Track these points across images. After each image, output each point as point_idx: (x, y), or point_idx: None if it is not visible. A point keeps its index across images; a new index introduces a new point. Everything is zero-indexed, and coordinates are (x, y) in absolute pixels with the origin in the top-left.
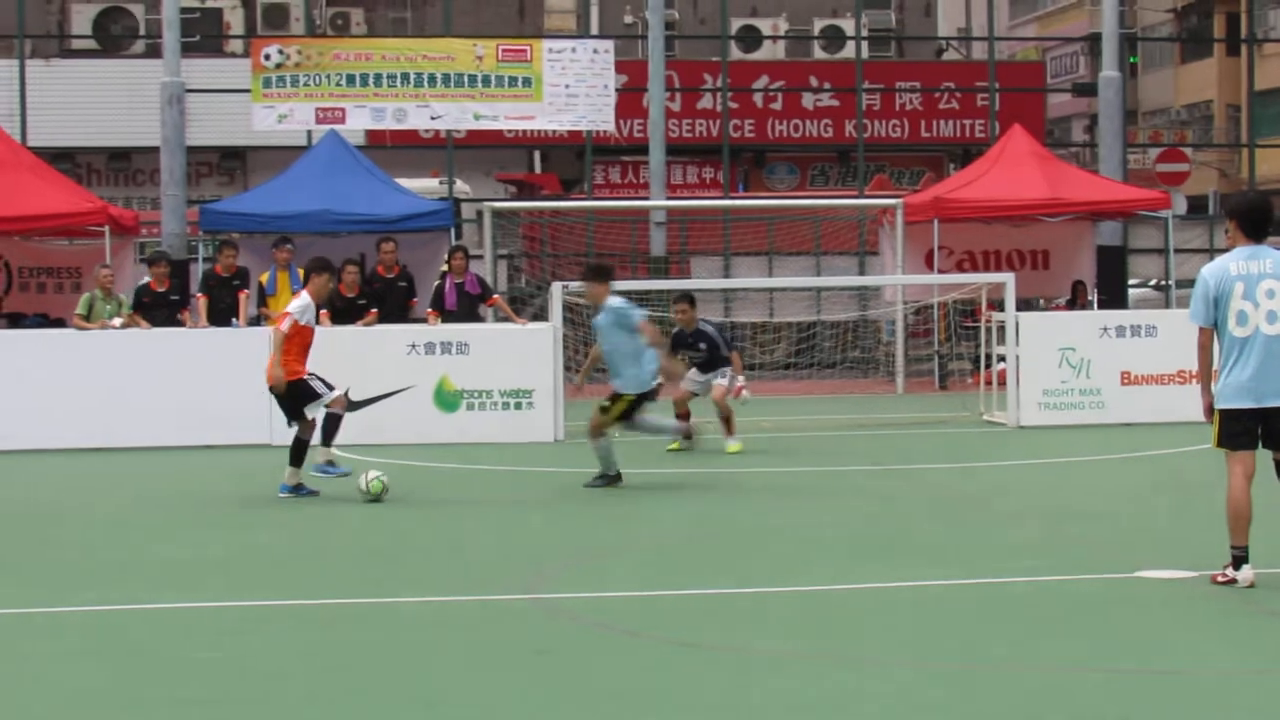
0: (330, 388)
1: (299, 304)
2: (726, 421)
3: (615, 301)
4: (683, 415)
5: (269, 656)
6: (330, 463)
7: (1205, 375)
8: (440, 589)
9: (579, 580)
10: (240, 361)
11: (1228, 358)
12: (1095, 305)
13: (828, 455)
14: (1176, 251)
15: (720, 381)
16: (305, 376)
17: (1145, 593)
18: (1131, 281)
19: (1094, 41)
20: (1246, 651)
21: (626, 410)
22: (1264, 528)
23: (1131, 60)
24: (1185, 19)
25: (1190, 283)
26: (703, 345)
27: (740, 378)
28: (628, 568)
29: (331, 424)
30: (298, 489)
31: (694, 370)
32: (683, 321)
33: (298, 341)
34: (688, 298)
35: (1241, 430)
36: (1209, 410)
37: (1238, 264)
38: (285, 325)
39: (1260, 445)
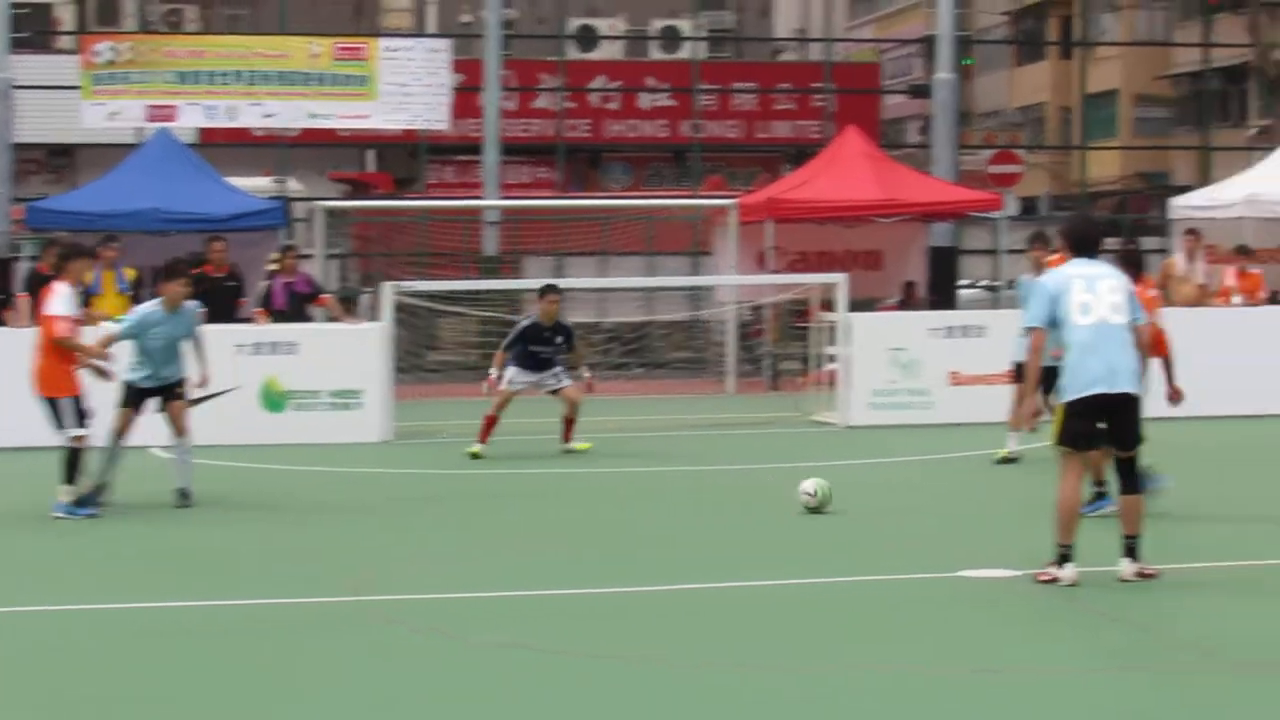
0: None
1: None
2: (570, 424)
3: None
4: (491, 421)
5: (85, 663)
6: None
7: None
8: (263, 592)
9: (398, 582)
10: None
11: (1073, 350)
12: (926, 305)
13: (658, 456)
14: (1007, 253)
15: (573, 381)
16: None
17: (968, 592)
18: (962, 282)
19: (929, 44)
20: (1072, 650)
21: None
22: (1088, 527)
23: (966, 62)
24: (1020, 22)
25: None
26: (560, 339)
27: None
28: (452, 569)
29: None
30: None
31: (519, 369)
32: (548, 315)
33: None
34: (554, 288)
35: (1083, 431)
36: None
37: (1074, 268)
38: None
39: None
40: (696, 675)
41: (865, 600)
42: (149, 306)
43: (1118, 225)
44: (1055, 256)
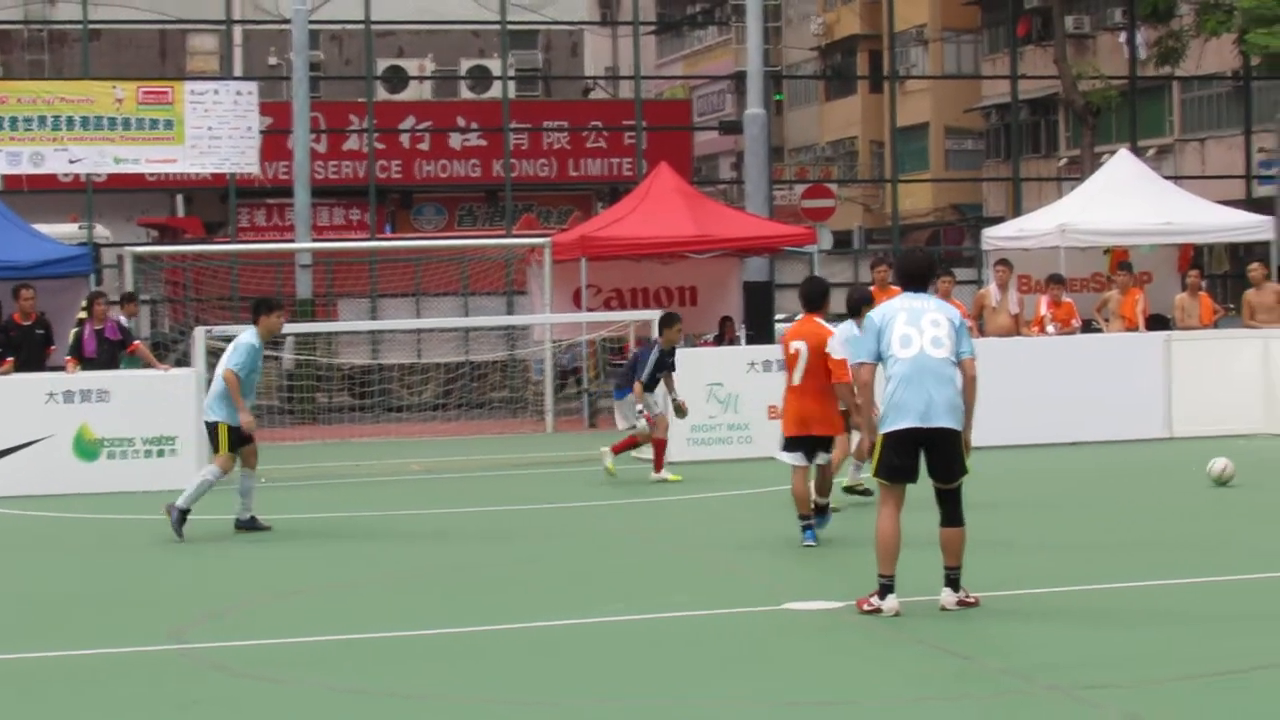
0: None
1: None
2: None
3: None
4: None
5: None
6: None
7: (866, 413)
8: (79, 642)
9: (227, 629)
10: None
11: (891, 382)
12: (743, 340)
13: (477, 496)
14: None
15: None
16: None
17: (794, 624)
18: (779, 316)
19: (739, 80)
20: (896, 679)
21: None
22: (909, 557)
23: (777, 98)
24: (829, 57)
25: (839, 317)
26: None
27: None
28: (274, 615)
29: None
30: None
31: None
32: (671, 341)
33: None
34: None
35: (901, 465)
36: (872, 448)
37: (901, 301)
38: None
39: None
40: (523, 714)
41: (691, 635)
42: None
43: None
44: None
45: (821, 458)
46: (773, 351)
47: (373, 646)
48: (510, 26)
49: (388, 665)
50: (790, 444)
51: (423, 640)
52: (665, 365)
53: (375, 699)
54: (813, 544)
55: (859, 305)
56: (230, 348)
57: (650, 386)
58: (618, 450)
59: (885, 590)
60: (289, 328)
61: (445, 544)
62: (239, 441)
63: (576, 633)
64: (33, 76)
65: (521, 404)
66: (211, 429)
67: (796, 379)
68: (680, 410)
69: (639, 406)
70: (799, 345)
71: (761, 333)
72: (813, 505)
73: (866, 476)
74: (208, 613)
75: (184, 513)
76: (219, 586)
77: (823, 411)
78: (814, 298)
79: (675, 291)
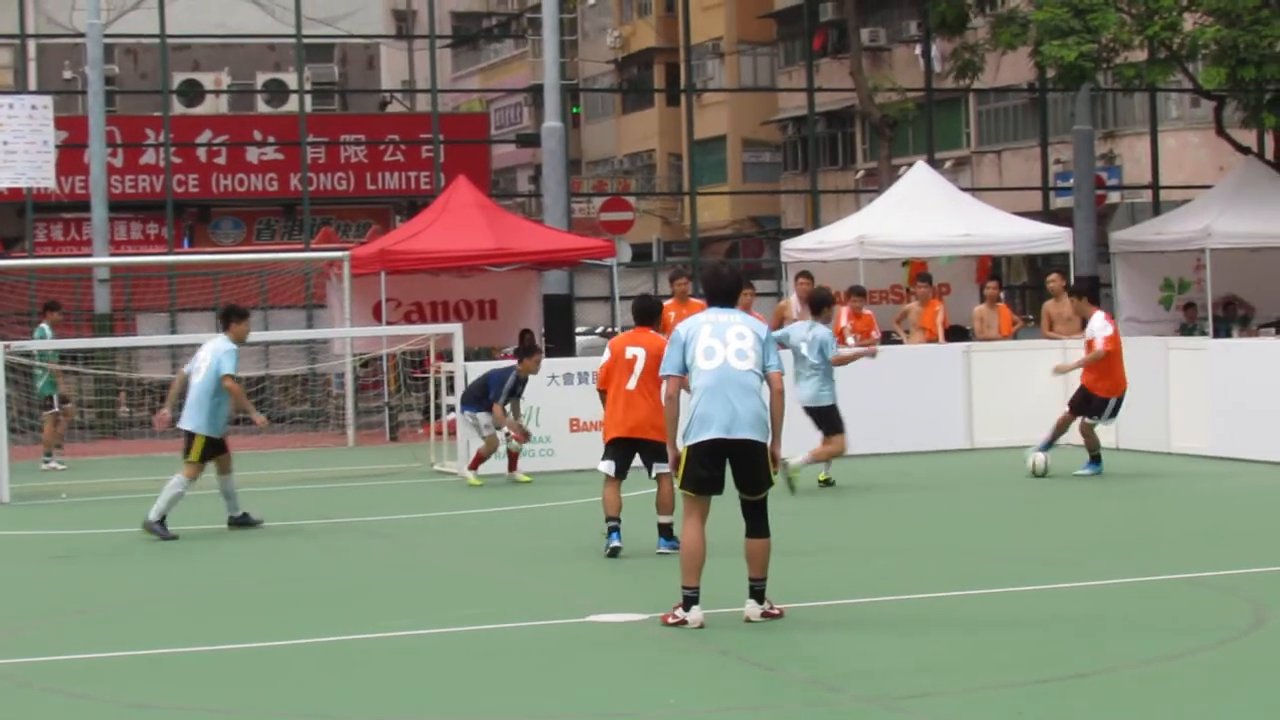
0: None
1: None
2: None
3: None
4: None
5: None
6: None
7: (673, 426)
8: None
9: (28, 644)
10: None
11: (696, 395)
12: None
13: (277, 510)
14: (622, 299)
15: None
16: None
17: (598, 637)
18: (579, 329)
19: (536, 93)
20: (700, 691)
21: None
22: (713, 568)
23: (574, 111)
24: (625, 70)
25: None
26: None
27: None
28: (79, 629)
29: None
30: None
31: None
32: (530, 370)
33: None
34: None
35: (706, 476)
36: (678, 460)
37: (707, 315)
38: None
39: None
40: None
41: (496, 648)
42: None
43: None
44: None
45: (660, 467)
46: (575, 364)
47: (169, 662)
48: (306, 40)
49: (184, 681)
50: (610, 448)
51: (214, 655)
52: (517, 392)
53: (167, 713)
54: (619, 545)
55: (655, 312)
56: (211, 357)
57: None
58: (474, 466)
59: (690, 602)
60: (87, 343)
61: (243, 559)
62: (214, 451)
63: (366, 647)
64: None
65: (323, 418)
66: (188, 438)
67: (631, 383)
68: (526, 436)
69: (485, 423)
70: (636, 351)
71: (562, 345)
72: (658, 523)
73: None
74: (9, 628)
75: (160, 521)
76: (21, 602)
77: (655, 418)
78: (648, 312)
79: (475, 305)
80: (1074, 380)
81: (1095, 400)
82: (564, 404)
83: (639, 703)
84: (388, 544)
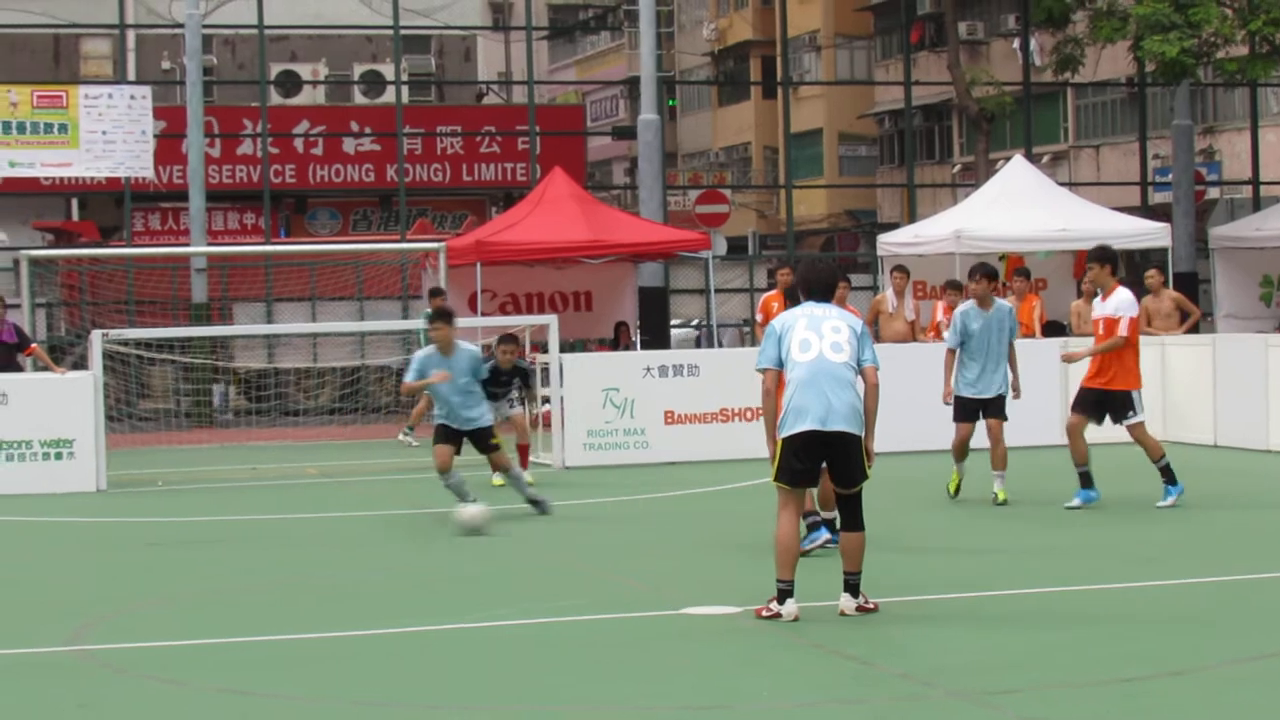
0: None
1: None
2: (523, 449)
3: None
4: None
5: None
6: None
7: (770, 420)
8: None
9: (123, 631)
10: None
11: (791, 387)
12: (638, 345)
13: (375, 500)
14: (717, 291)
15: (516, 410)
16: None
17: (693, 629)
18: (674, 322)
19: (633, 85)
20: (794, 684)
21: None
22: (809, 562)
23: (670, 103)
24: (721, 63)
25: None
26: (516, 380)
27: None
28: (173, 617)
29: None
30: None
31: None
32: (507, 361)
33: None
34: (513, 337)
35: (801, 469)
36: (775, 454)
37: (803, 309)
38: None
39: (814, 482)
40: (432, 716)
41: (590, 639)
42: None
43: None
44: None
45: None
46: (670, 356)
47: (266, 649)
48: (403, 31)
49: (280, 668)
50: None
51: (312, 644)
52: (495, 382)
53: (261, 700)
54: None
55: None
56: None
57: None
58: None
59: (784, 595)
60: (185, 332)
61: (330, 547)
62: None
63: (464, 636)
64: None
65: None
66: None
67: None
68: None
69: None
70: None
71: (657, 338)
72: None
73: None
74: (105, 615)
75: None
76: (117, 589)
77: None
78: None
79: (570, 296)
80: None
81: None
82: (659, 396)
83: (732, 695)
84: (481, 535)
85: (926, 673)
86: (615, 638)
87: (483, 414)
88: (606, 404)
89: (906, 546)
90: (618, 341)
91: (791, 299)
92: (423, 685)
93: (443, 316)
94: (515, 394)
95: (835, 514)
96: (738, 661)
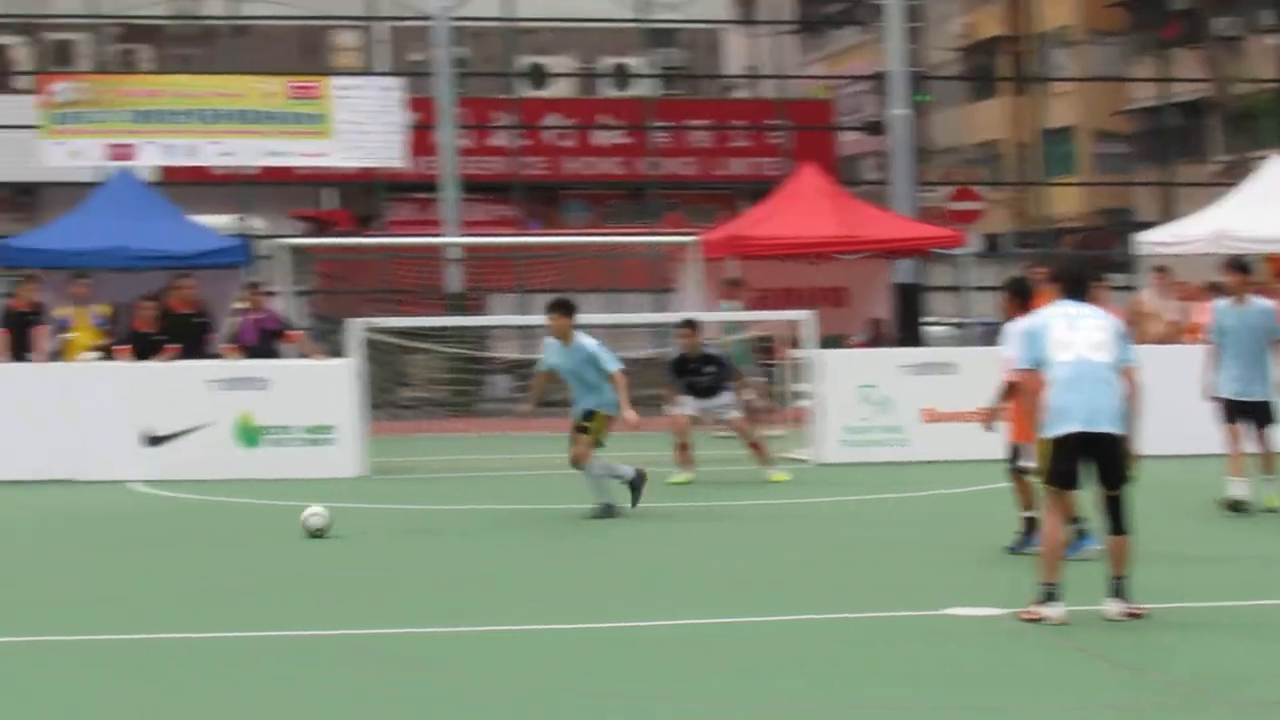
0: None
1: None
2: (756, 448)
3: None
4: (683, 446)
5: (45, 694)
6: None
7: (1033, 420)
8: (242, 625)
9: (388, 617)
10: (38, 396)
11: (1053, 387)
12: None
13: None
14: (971, 289)
15: (734, 414)
16: None
17: (955, 630)
18: (928, 319)
19: (881, 80)
20: (1060, 690)
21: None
22: (1075, 565)
23: (923, 99)
24: (971, 58)
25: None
26: (710, 369)
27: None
28: (433, 603)
29: None
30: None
31: (691, 398)
32: (687, 346)
33: None
34: (690, 323)
35: (1068, 470)
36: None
37: (1059, 308)
38: None
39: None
40: (697, 712)
41: (851, 637)
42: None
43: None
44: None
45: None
46: (925, 354)
47: (526, 639)
48: (651, 25)
49: (546, 659)
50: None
51: (570, 633)
52: (684, 370)
53: (529, 690)
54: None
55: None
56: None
57: (687, 391)
58: (763, 461)
59: (1049, 598)
60: (439, 321)
61: (597, 538)
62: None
63: (729, 632)
64: (184, 71)
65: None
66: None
67: None
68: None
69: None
70: None
71: (912, 334)
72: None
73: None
74: (366, 600)
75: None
76: (375, 574)
77: None
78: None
79: (824, 292)
80: None
81: None
82: (915, 394)
83: (994, 697)
84: (737, 529)
85: (1199, 681)
86: (873, 636)
87: (597, 402)
88: (863, 401)
89: (1167, 552)
90: (876, 338)
91: (1018, 294)
92: (695, 680)
93: (559, 307)
94: (727, 396)
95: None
96: (1000, 664)
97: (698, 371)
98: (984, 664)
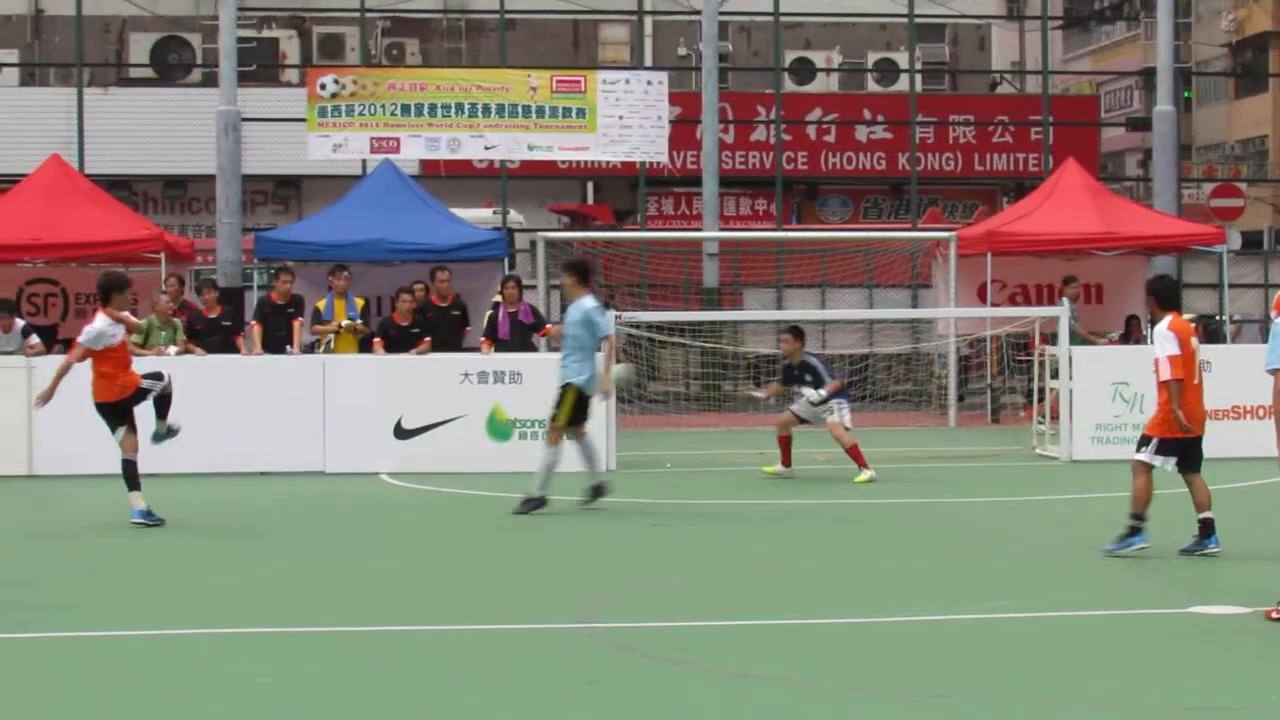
0: (158, 378)
1: (90, 332)
2: (851, 452)
3: (589, 302)
4: (783, 440)
5: (321, 682)
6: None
7: None
8: (492, 617)
9: (631, 610)
10: (294, 388)
11: None
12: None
13: (880, 487)
14: (1231, 286)
15: (832, 418)
16: (140, 384)
17: (1199, 628)
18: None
19: (1148, 76)
20: None
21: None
22: None
23: (1185, 95)
24: (1239, 54)
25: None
26: (809, 377)
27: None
28: (679, 598)
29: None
30: (149, 515)
31: (803, 400)
32: (788, 352)
33: (111, 361)
34: (793, 330)
35: None
36: None
37: None
38: (74, 356)
39: None
40: (931, 706)
41: (1094, 635)
42: None
43: None
44: None
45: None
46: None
47: (769, 633)
48: (918, 19)
49: (785, 652)
50: (1171, 446)
51: (803, 628)
52: (792, 378)
53: (767, 684)
54: (1144, 545)
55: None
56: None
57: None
58: (860, 463)
59: None
60: (696, 316)
61: (832, 532)
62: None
63: (962, 627)
64: (450, 64)
65: (925, 397)
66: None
67: (1197, 378)
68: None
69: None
70: (1196, 342)
71: None
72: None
73: None
74: (610, 593)
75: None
76: (624, 569)
77: (1201, 411)
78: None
79: (1080, 289)
80: None
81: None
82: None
83: (1239, 696)
84: (981, 525)
85: None
86: (1120, 634)
87: (574, 374)
88: (1116, 398)
89: None
90: (1129, 335)
91: (1157, 295)
92: (925, 675)
93: (570, 268)
94: (819, 399)
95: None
96: (1248, 663)
97: (798, 379)
98: (1228, 662)
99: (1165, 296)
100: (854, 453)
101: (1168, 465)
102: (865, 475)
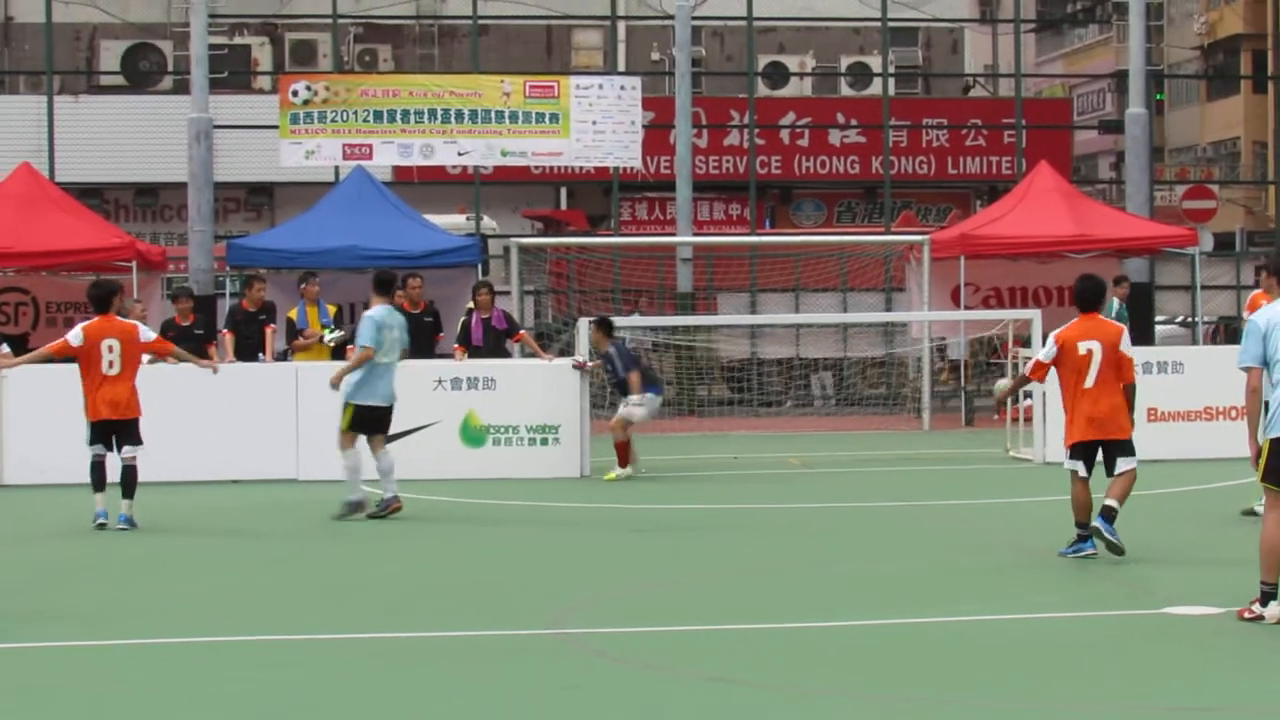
0: None
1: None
2: (617, 447)
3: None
4: (620, 445)
5: (292, 691)
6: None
7: (1254, 420)
8: (464, 624)
9: (604, 615)
10: (266, 396)
11: (1277, 387)
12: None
13: (853, 491)
14: (1203, 288)
15: (623, 410)
16: None
17: (1175, 629)
18: (1158, 318)
19: (1120, 79)
20: (1277, 687)
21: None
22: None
23: (1158, 97)
24: (1211, 56)
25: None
26: (609, 367)
27: (635, 398)
28: (654, 603)
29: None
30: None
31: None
32: (593, 343)
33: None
34: (596, 321)
35: None
36: (1258, 456)
37: None
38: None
39: None
40: (905, 709)
41: (1068, 636)
42: None
43: None
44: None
45: (1124, 464)
46: (1154, 353)
47: (746, 637)
48: (891, 24)
49: (764, 657)
50: (1077, 450)
51: (778, 632)
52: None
53: (745, 689)
54: (1093, 551)
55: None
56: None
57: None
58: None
59: (1268, 597)
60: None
61: (804, 537)
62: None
63: (938, 630)
64: (423, 70)
65: (899, 401)
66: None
67: (1089, 381)
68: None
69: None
70: (1091, 345)
71: (1141, 334)
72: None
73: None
74: (583, 599)
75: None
76: (594, 574)
77: (1119, 416)
78: (1098, 296)
79: (1054, 291)
80: None
81: None
82: (1142, 394)
83: (1219, 697)
84: (954, 528)
85: None
86: (1095, 636)
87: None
88: None
89: None
90: None
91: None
92: (900, 678)
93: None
94: (637, 402)
95: (1117, 506)
96: (1225, 663)
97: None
98: (1206, 662)
99: (1081, 299)
100: (619, 449)
101: (1078, 469)
102: (616, 473)
